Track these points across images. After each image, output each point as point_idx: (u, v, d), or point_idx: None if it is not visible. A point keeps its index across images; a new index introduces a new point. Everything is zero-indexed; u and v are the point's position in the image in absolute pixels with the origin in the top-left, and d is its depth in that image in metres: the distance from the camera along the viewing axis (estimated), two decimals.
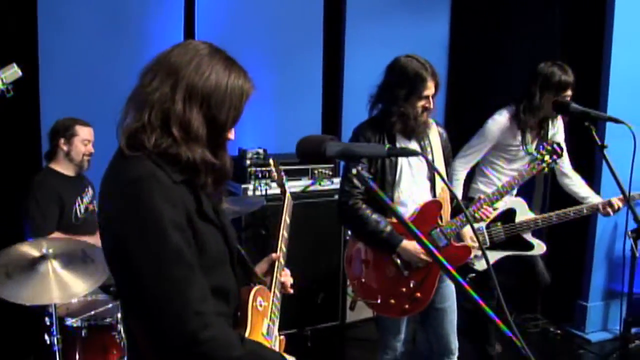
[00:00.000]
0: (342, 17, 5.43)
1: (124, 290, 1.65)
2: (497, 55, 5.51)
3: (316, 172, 4.58)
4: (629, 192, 2.58)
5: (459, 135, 3.92)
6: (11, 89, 2.85)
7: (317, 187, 4.51)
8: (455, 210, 3.16)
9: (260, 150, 4.58)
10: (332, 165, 4.68)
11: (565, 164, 3.86)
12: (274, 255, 2.17)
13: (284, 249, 2.24)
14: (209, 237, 1.66)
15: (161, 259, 1.52)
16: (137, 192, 1.53)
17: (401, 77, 2.97)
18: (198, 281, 1.56)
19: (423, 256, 2.90)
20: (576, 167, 3.97)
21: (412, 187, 3.06)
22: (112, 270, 1.64)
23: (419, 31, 5.59)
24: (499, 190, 3.21)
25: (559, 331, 4.91)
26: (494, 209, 3.18)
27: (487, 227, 3.61)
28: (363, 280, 3.13)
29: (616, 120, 2.52)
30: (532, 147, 3.70)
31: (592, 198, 3.77)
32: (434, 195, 3.10)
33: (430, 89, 2.97)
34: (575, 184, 3.88)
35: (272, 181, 4.45)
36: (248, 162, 4.49)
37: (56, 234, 3.59)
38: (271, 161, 2.65)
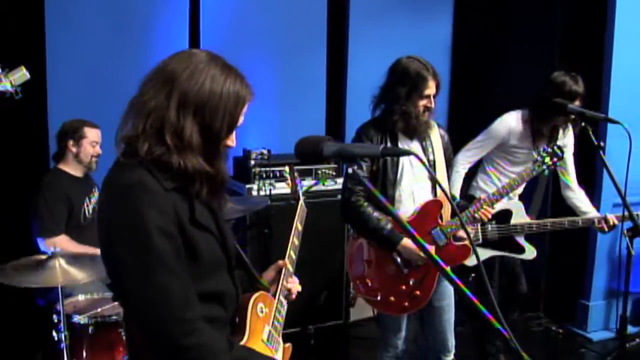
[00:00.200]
0: (346, 18, 5.46)
1: (117, 291, 1.70)
2: (499, 56, 5.55)
3: (320, 172, 4.63)
4: (625, 190, 2.62)
5: (461, 136, 3.96)
6: (20, 91, 2.93)
7: (320, 187, 4.56)
8: (455, 210, 3.21)
9: (265, 151, 4.64)
10: (335, 166, 4.72)
11: (571, 177, 3.89)
12: (280, 262, 2.18)
13: (293, 255, 2.24)
14: (202, 244, 1.68)
15: (146, 265, 1.55)
16: (126, 199, 1.58)
17: (403, 76, 3.03)
18: (183, 288, 1.59)
19: (422, 254, 2.94)
20: (577, 170, 4.02)
21: (413, 186, 3.11)
22: (107, 272, 1.68)
23: (421, 32, 5.62)
24: (499, 191, 3.25)
25: (561, 330, 4.94)
26: (494, 209, 3.23)
27: (482, 224, 3.65)
28: (363, 277, 3.17)
29: (612, 121, 2.57)
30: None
31: (591, 214, 3.79)
32: (435, 195, 3.14)
33: (431, 89, 3.03)
34: (578, 198, 3.90)
35: (277, 181, 4.52)
36: (252, 162, 4.54)
37: (63, 237, 3.65)
38: (286, 168, 2.65)
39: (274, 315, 2.03)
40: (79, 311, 3.26)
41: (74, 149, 3.76)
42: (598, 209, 4.52)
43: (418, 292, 3.10)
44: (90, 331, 3.17)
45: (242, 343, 1.83)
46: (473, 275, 4.88)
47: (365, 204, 3.05)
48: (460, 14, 5.89)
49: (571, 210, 3.86)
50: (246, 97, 1.72)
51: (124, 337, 3.20)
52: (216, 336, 1.65)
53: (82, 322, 3.17)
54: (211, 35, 4.86)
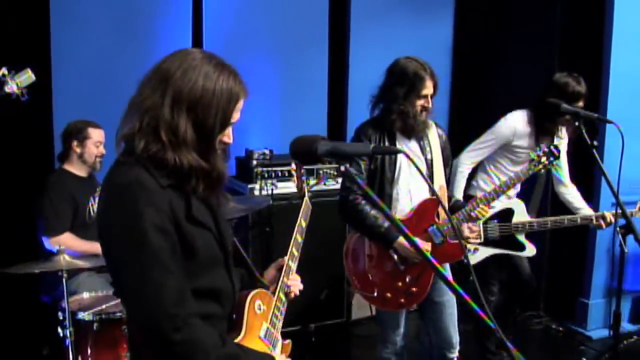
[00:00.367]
0: (347, 18, 5.51)
1: (116, 287, 1.76)
2: (500, 57, 5.59)
3: (321, 172, 4.68)
4: (618, 188, 2.67)
5: (462, 136, 4.00)
6: (25, 93, 2.99)
7: (321, 187, 4.61)
8: (452, 208, 3.26)
9: (267, 151, 4.69)
10: (337, 166, 4.76)
11: (564, 172, 3.96)
12: (280, 260, 2.20)
13: (295, 252, 2.23)
14: (198, 240, 1.71)
15: (141, 262, 1.59)
16: (122, 197, 1.62)
17: (401, 76, 3.08)
18: (177, 284, 1.62)
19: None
20: (575, 171, 4.06)
21: (410, 185, 3.15)
22: (107, 268, 1.74)
23: (423, 33, 5.66)
24: (495, 190, 3.30)
25: (560, 328, 4.99)
26: (490, 208, 3.27)
27: (484, 223, 3.70)
28: (360, 273, 3.22)
29: (605, 120, 2.61)
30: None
31: (584, 210, 3.89)
32: (432, 193, 3.18)
33: (428, 89, 3.08)
34: (571, 194, 3.98)
35: (279, 181, 4.57)
36: (254, 162, 4.59)
37: (68, 235, 3.70)
38: (293, 165, 2.63)
39: (273, 312, 2.04)
40: (84, 308, 3.31)
41: (78, 150, 3.81)
42: (597, 209, 4.57)
43: (414, 289, 3.14)
44: (94, 328, 3.21)
45: (238, 339, 1.84)
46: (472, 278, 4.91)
47: (363, 202, 3.09)
48: (461, 14, 5.92)
49: (568, 209, 3.91)
50: (240, 94, 1.75)
51: (127, 334, 3.25)
52: (209, 332, 1.67)
53: (86, 318, 3.22)
54: (214, 37, 4.91)
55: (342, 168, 1.61)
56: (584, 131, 2.57)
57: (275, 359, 1.89)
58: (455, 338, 3.32)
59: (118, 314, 3.26)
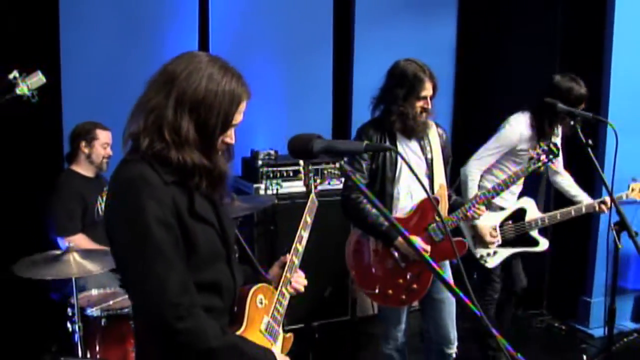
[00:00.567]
0: (351, 20, 5.57)
1: (122, 279, 1.83)
2: (502, 58, 5.63)
3: (325, 172, 4.74)
4: (612, 186, 2.72)
5: (465, 137, 4.05)
6: (36, 95, 3.07)
7: (325, 186, 4.67)
8: (452, 207, 3.32)
9: (272, 152, 4.76)
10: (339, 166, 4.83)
11: (559, 162, 4.01)
12: (284, 257, 2.24)
13: (299, 248, 2.26)
14: (200, 235, 1.77)
15: (145, 253, 1.65)
16: (127, 191, 1.69)
17: (401, 78, 3.15)
18: (180, 275, 1.68)
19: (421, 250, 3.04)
20: (577, 168, 4.11)
21: (411, 184, 3.21)
22: (114, 261, 1.81)
23: (426, 35, 5.72)
24: (494, 188, 3.36)
25: (563, 327, 5.02)
26: (487, 207, 3.33)
27: (500, 225, 3.78)
28: (362, 270, 3.29)
29: (600, 120, 2.67)
30: None
31: (581, 196, 3.97)
32: (432, 192, 3.24)
33: (428, 90, 3.14)
34: (566, 182, 4.06)
35: (284, 181, 4.64)
36: (260, 162, 4.67)
37: (81, 236, 3.79)
38: (301, 162, 2.68)
39: (274, 306, 2.09)
40: (92, 304, 3.37)
41: (86, 150, 3.89)
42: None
43: (415, 286, 3.21)
44: (102, 323, 3.28)
45: (239, 332, 1.90)
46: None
47: (365, 201, 3.16)
48: (464, 17, 5.98)
49: (571, 201, 3.97)
50: (242, 96, 1.81)
51: (134, 330, 3.33)
52: (210, 323, 1.73)
53: (95, 314, 3.29)
54: (220, 40, 4.98)
55: (338, 165, 1.67)
56: (579, 130, 2.63)
57: (273, 352, 1.94)
58: (453, 334, 3.38)
59: (126, 310, 3.32)
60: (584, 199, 3.91)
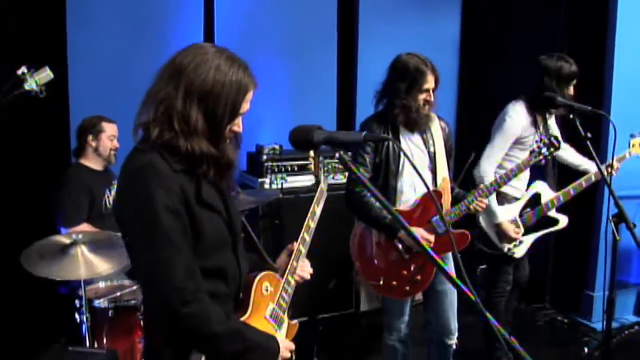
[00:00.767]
0: (356, 16, 5.61)
1: (133, 266, 1.88)
2: (506, 53, 5.65)
3: (329, 167, 4.77)
4: (610, 179, 2.76)
5: (470, 132, 4.07)
6: (44, 90, 3.11)
7: (330, 181, 4.70)
8: (455, 199, 3.35)
9: (277, 147, 4.80)
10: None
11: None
12: (291, 245, 2.28)
13: (307, 238, 2.29)
14: (207, 222, 1.82)
15: (152, 240, 1.71)
16: (137, 179, 1.75)
17: (403, 72, 3.17)
18: (186, 261, 1.73)
19: (423, 241, 3.07)
20: None
21: (414, 178, 3.24)
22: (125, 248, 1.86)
23: (430, 30, 5.74)
24: (497, 181, 3.39)
25: (566, 320, 5.05)
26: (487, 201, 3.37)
27: (520, 215, 3.83)
28: (367, 262, 3.32)
29: (598, 113, 2.70)
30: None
31: (585, 165, 4.01)
32: (435, 185, 3.27)
33: (430, 83, 3.16)
34: (569, 154, 4.09)
35: (289, 175, 4.68)
36: (265, 157, 4.71)
37: (85, 225, 3.82)
38: (311, 153, 2.70)
39: (280, 294, 2.13)
40: (100, 297, 3.42)
41: (93, 144, 3.94)
42: (602, 201, 4.65)
43: (419, 277, 3.24)
44: (110, 315, 3.33)
45: (244, 318, 1.95)
46: (482, 267, 5.01)
47: (368, 195, 3.19)
48: (467, 12, 6.01)
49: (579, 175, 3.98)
50: (249, 86, 1.86)
51: (141, 321, 3.36)
52: (214, 308, 1.78)
53: (102, 306, 3.34)
54: (225, 36, 5.02)
55: (337, 155, 1.71)
56: (578, 123, 2.66)
57: (277, 339, 1.98)
58: (454, 325, 3.42)
59: (133, 302, 3.38)
60: (590, 168, 3.93)
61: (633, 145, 3.84)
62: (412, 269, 3.24)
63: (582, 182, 3.78)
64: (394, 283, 3.26)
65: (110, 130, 3.97)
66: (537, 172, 3.97)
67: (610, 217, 2.74)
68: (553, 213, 3.88)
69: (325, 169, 2.64)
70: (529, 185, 3.95)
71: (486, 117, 4.03)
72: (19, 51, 4.02)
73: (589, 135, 2.60)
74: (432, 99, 3.20)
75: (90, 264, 3.17)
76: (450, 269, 3.30)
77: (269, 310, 2.07)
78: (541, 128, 3.89)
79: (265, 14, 5.24)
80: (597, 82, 4.71)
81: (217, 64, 1.81)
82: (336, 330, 4.84)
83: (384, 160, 3.22)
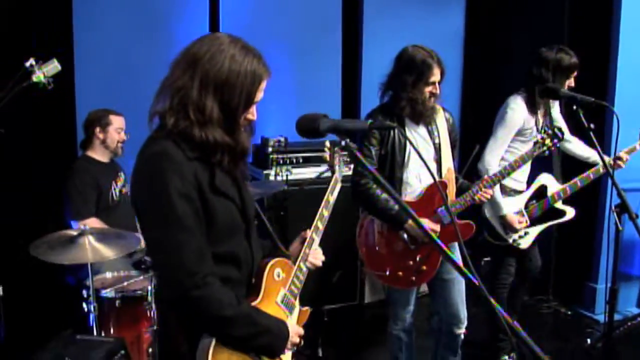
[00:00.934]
0: (360, 10, 5.63)
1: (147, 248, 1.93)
2: (510, 47, 5.66)
3: (345, 156, 4.81)
4: (613, 170, 2.78)
5: (474, 123, 4.08)
6: (52, 82, 3.15)
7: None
8: (460, 189, 3.37)
9: (282, 139, 4.83)
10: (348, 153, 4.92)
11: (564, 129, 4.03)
12: (304, 232, 2.32)
13: (320, 226, 2.31)
14: (219, 209, 1.87)
15: (166, 225, 1.77)
16: (151, 166, 1.80)
17: (409, 64, 3.18)
18: (197, 245, 1.78)
19: (430, 231, 3.08)
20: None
21: (419, 168, 3.26)
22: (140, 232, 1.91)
23: (434, 23, 5.77)
24: (501, 172, 3.41)
25: (569, 312, 5.08)
26: (492, 191, 3.39)
27: (526, 207, 3.85)
28: (373, 253, 3.35)
29: (601, 104, 2.72)
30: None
31: (593, 156, 4.00)
32: (440, 176, 3.29)
33: (436, 75, 3.18)
34: (576, 146, 4.11)
35: (293, 167, 4.72)
36: (270, 149, 4.75)
37: (94, 220, 3.86)
38: (327, 143, 2.72)
39: (292, 280, 2.17)
40: (107, 287, 3.46)
41: (101, 136, 3.98)
42: (605, 193, 4.66)
43: (425, 267, 3.26)
44: (117, 304, 3.38)
45: (255, 302, 1.99)
46: (486, 259, 5.03)
47: (375, 185, 3.22)
48: (472, 5, 6.03)
49: (586, 167, 3.98)
50: (263, 75, 1.90)
51: (147, 311, 3.40)
52: (224, 291, 1.83)
53: (109, 295, 3.38)
54: (230, 29, 5.04)
55: (343, 143, 1.73)
56: (581, 115, 2.68)
57: (286, 323, 2.02)
58: (463, 313, 3.43)
59: (139, 292, 3.42)
60: (598, 160, 3.84)
61: None
62: (418, 259, 3.26)
63: (590, 174, 3.78)
64: (400, 273, 3.28)
65: (117, 122, 4.01)
66: (543, 165, 3.99)
67: (613, 207, 2.77)
68: (560, 204, 3.89)
69: (341, 159, 2.66)
70: (534, 177, 3.96)
71: (490, 110, 4.05)
72: (26, 45, 4.05)
73: (592, 126, 2.62)
74: (438, 91, 3.21)
75: (96, 250, 3.22)
76: (457, 258, 3.31)
77: (280, 295, 2.11)
78: (542, 119, 3.92)
79: (270, 8, 5.27)
80: (600, 73, 4.72)
81: (232, 53, 1.84)
82: (340, 322, 4.88)
83: (390, 152, 3.24)
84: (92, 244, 3.23)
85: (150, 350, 3.37)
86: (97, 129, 3.97)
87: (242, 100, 1.86)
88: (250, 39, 1.95)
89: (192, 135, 1.81)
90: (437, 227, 3.22)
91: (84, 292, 3.40)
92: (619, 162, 3.82)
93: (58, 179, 3.97)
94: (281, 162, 4.71)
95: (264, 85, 1.92)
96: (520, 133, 3.89)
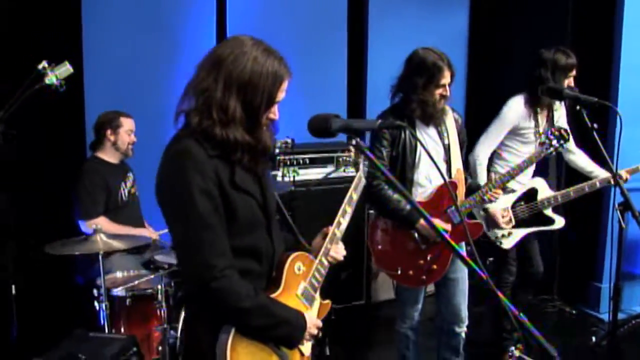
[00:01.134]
0: (365, 11, 5.67)
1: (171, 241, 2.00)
2: (514, 47, 5.69)
3: (340, 160, 4.87)
4: (616, 169, 2.82)
5: (478, 123, 4.10)
6: (64, 84, 3.21)
7: (340, 174, 4.80)
8: (468, 190, 3.42)
9: (289, 140, 4.86)
10: (353, 153, 4.97)
11: (570, 142, 4.04)
12: (325, 229, 2.36)
13: (342, 222, 2.34)
14: (240, 204, 1.94)
15: (187, 220, 1.85)
16: (175, 164, 1.89)
17: (420, 67, 3.22)
18: (217, 240, 1.86)
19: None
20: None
21: (429, 169, 3.31)
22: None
23: (439, 24, 5.80)
24: (509, 172, 3.46)
25: (574, 311, 5.11)
26: (503, 190, 3.43)
27: (512, 206, 3.86)
28: (385, 253, 3.40)
29: (603, 104, 2.75)
30: (542, 129, 3.93)
31: (597, 171, 4.02)
32: (450, 177, 3.34)
33: (446, 78, 3.22)
34: (581, 159, 4.13)
35: (300, 168, 4.76)
36: (277, 150, 4.78)
37: (102, 218, 3.91)
38: (354, 142, 2.74)
39: (313, 273, 2.22)
40: (117, 286, 3.51)
41: (112, 138, 4.03)
42: (608, 192, 4.68)
43: (435, 267, 3.31)
44: (127, 303, 3.44)
45: (275, 294, 2.05)
46: (490, 259, 5.06)
47: (386, 186, 3.26)
48: (476, 6, 6.07)
49: (584, 178, 4.02)
50: (284, 76, 1.98)
51: (157, 309, 3.46)
52: (242, 284, 1.90)
53: (120, 294, 3.43)
54: (237, 31, 5.07)
55: (354, 141, 1.78)
56: (584, 115, 2.71)
57: (304, 315, 2.08)
58: (464, 313, 3.48)
59: (149, 291, 3.48)
60: (601, 175, 3.94)
61: None
62: (429, 258, 3.30)
63: (585, 186, 3.80)
64: (411, 272, 3.32)
65: (127, 124, 4.06)
66: (540, 168, 4.03)
67: (616, 206, 2.80)
68: (549, 212, 3.90)
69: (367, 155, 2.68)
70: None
71: (494, 111, 4.09)
72: (36, 47, 4.09)
73: (595, 126, 2.66)
74: (448, 93, 3.25)
75: (107, 242, 3.31)
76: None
77: (300, 288, 2.16)
78: (543, 122, 3.96)
79: (277, 10, 5.30)
80: (603, 74, 4.76)
81: (254, 55, 1.92)
82: (347, 321, 4.90)
83: (401, 153, 3.28)
84: (103, 240, 3.32)
85: (159, 348, 3.42)
86: (108, 131, 4.03)
87: (264, 99, 1.93)
88: None
89: (214, 134, 1.88)
90: (448, 227, 3.27)
91: (95, 291, 3.46)
92: (619, 180, 3.80)
93: (68, 180, 4.01)
94: (288, 163, 4.76)
95: (285, 85, 1.99)
96: (517, 132, 3.94)
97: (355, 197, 2.42)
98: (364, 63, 5.71)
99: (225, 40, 1.99)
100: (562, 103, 4.03)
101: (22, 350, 3.33)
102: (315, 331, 2.13)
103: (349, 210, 2.37)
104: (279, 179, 4.72)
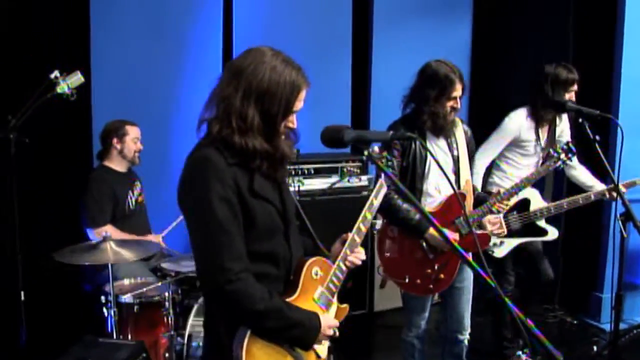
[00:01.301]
0: (370, 23, 5.73)
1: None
2: (516, 58, 5.75)
3: (345, 169, 4.91)
4: (618, 180, 2.86)
5: (481, 133, 4.15)
6: (75, 93, 3.27)
7: (345, 184, 4.84)
8: (476, 201, 3.46)
9: (294, 150, 4.91)
10: (359, 164, 5.03)
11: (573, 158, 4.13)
12: (344, 235, 2.37)
13: (362, 228, 2.35)
14: (258, 211, 2.00)
15: (206, 226, 1.92)
16: (195, 171, 1.96)
17: (432, 79, 3.25)
18: (233, 244, 1.92)
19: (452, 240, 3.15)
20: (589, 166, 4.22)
21: (439, 180, 3.34)
22: None
23: (442, 36, 5.86)
24: (517, 185, 3.50)
25: (575, 321, 5.13)
26: (510, 203, 3.47)
27: (505, 216, 3.88)
28: (393, 261, 3.43)
29: (605, 116, 2.81)
30: (543, 143, 3.98)
31: (597, 187, 4.04)
32: (459, 188, 3.37)
33: (458, 91, 3.26)
34: (582, 175, 4.16)
35: (305, 178, 4.79)
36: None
37: (109, 227, 3.96)
38: (376, 148, 2.77)
39: (330, 278, 2.24)
40: (125, 293, 3.54)
41: (118, 146, 4.08)
42: (609, 204, 4.71)
43: (442, 276, 3.34)
44: (135, 310, 3.47)
45: (292, 298, 2.09)
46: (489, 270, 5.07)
47: (396, 196, 3.28)
48: (479, 18, 6.13)
49: (580, 190, 4.07)
50: (302, 85, 2.04)
51: (165, 316, 3.51)
52: (257, 287, 1.96)
53: (128, 301, 3.47)
54: (243, 41, 5.12)
55: (366, 152, 1.83)
56: (587, 126, 2.76)
57: (318, 316, 2.11)
58: (467, 321, 3.52)
59: (157, 298, 3.51)
60: (600, 188, 3.97)
61: None
62: (436, 267, 3.34)
63: (579, 198, 3.82)
64: (418, 281, 3.36)
65: (133, 132, 4.11)
66: (536, 184, 4.08)
67: (618, 216, 2.84)
68: (542, 223, 3.93)
69: (388, 164, 2.73)
70: None
71: (496, 122, 4.13)
72: (44, 56, 4.14)
73: (597, 137, 2.71)
74: (459, 106, 3.29)
75: (117, 252, 3.33)
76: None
77: (317, 292, 2.20)
78: (544, 134, 4.01)
79: (282, 19, 5.36)
80: (605, 86, 4.81)
81: (273, 65, 1.98)
82: (350, 330, 4.91)
83: (411, 163, 3.32)
84: (112, 249, 3.34)
85: (167, 355, 3.46)
86: (115, 140, 4.07)
87: (282, 108, 1.99)
88: None
89: (233, 142, 1.94)
90: (457, 236, 3.31)
91: (103, 298, 3.49)
92: (613, 193, 3.82)
93: (76, 188, 4.06)
94: (293, 172, 4.80)
95: (303, 95, 2.05)
96: (517, 144, 3.99)
97: (375, 203, 2.45)
98: (368, 74, 5.76)
99: (246, 50, 2.04)
100: (565, 118, 4.08)
101: (31, 356, 3.36)
102: (330, 332, 2.16)
103: (369, 217, 2.40)
104: None
